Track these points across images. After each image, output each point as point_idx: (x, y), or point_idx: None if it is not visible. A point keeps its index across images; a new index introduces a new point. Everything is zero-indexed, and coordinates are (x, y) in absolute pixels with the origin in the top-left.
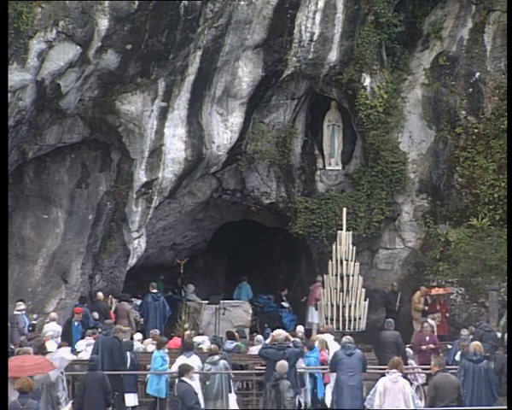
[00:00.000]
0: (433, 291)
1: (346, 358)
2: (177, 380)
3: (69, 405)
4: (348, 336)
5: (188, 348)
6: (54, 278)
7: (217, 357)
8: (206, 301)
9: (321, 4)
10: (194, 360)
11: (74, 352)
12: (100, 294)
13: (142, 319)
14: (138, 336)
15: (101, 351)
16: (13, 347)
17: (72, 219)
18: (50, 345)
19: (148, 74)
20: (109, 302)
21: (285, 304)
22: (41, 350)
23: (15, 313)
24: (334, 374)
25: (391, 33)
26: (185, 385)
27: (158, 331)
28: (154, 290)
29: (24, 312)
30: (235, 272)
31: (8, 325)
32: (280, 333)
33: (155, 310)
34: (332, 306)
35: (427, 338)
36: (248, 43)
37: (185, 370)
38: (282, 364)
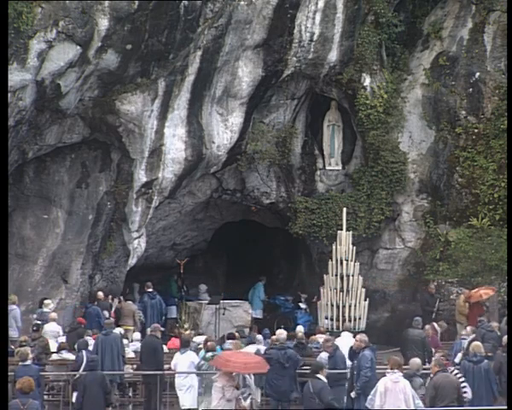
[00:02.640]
0: (479, 294)
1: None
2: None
3: (248, 400)
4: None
5: (184, 345)
6: (54, 278)
7: (210, 354)
8: (206, 301)
9: (321, 4)
10: (189, 357)
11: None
12: (100, 293)
13: (142, 316)
14: (137, 335)
15: (100, 351)
16: (13, 347)
17: (72, 219)
18: (51, 345)
19: (148, 74)
20: (110, 302)
21: (302, 305)
22: (44, 351)
23: (45, 310)
24: None
25: (391, 33)
26: (321, 382)
27: (159, 327)
28: (150, 289)
29: (51, 310)
30: (235, 272)
31: (39, 322)
32: (281, 333)
33: (152, 308)
34: (332, 306)
35: (429, 340)
36: (248, 43)
37: (319, 367)
38: (415, 361)
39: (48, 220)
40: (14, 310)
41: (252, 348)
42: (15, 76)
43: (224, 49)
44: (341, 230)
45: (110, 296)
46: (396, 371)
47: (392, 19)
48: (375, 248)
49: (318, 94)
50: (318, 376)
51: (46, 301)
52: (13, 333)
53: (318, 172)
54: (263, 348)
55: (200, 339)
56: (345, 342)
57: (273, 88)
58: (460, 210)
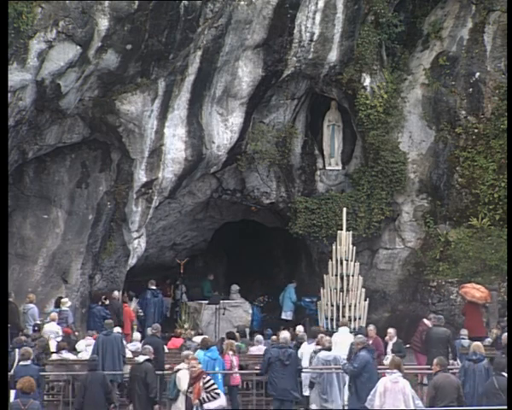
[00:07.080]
0: (471, 294)
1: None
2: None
3: None
4: None
5: (312, 335)
6: (54, 278)
7: (319, 347)
8: (206, 301)
9: (321, 4)
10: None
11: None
12: (116, 293)
13: (142, 313)
14: (137, 336)
15: (101, 351)
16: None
17: (72, 219)
18: (51, 345)
19: (148, 74)
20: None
21: None
22: (44, 351)
23: (64, 309)
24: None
25: (391, 33)
26: (505, 379)
27: (159, 327)
28: (153, 287)
29: (69, 308)
30: (235, 272)
31: (39, 322)
32: (284, 333)
33: (154, 306)
34: (332, 306)
35: (370, 342)
36: (248, 43)
37: (503, 365)
38: None
39: (48, 220)
40: (32, 309)
41: (255, 349)
42: (15, 76)
43: (224, 49)
44: (341, 230)
45: (126, 294)
46: (395, 371)
47: (392, 19)
48: (375, 248)
49: (318, 94)
50: (502, 373)
51: (63, 300)
52: (31, 332)
53: (318, 172)
54: (263, 348)
55: (200, 339)
56: (342, 338)
57: (273, 88)
58: (460, 210)
